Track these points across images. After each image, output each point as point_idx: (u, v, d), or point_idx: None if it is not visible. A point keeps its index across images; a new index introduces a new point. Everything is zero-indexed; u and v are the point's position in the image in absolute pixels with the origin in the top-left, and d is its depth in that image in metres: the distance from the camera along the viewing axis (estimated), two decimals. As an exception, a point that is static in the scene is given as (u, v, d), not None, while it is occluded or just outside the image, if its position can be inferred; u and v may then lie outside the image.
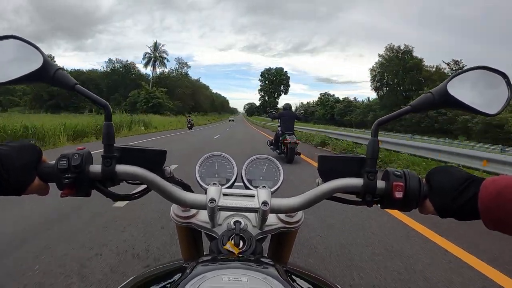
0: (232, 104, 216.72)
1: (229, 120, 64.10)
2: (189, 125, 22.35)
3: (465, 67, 0.44)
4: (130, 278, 0.47)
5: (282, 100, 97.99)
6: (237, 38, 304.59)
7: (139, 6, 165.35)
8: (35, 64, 0.42)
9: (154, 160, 0.50)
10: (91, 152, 0.47)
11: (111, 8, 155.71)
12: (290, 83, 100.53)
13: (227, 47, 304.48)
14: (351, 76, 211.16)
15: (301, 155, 7.16)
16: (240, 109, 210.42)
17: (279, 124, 7.61)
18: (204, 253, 0.68)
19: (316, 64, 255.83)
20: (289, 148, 6.64)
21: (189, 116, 24.23)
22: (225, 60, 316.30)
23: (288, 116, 7.33)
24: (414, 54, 49.00)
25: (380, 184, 0.46)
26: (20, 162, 0.41)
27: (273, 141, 7.82)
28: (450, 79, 0.44)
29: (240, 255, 0.50)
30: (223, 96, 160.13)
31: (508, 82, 0.42)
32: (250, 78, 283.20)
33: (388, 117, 0.47)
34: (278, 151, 7.43)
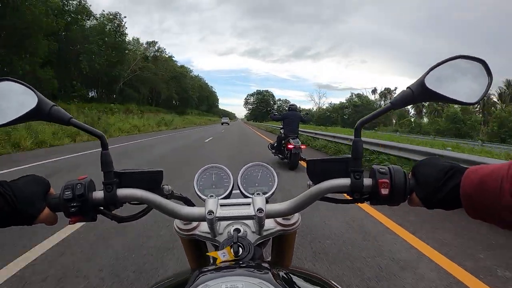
0: (230, 109, 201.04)
1: (222, 123, 52.50)
2: None
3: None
4: None
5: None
6: (238, 42, 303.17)
7: (137, 7, 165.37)
8: (31, 103, 0.44)
9: (152, 180, 0.53)
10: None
11: (108, 8, 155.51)
12: (289, 90, 77.77)
13: (228, 51, 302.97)
14: (352, 83, 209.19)
15: (302, 162, 6.34)
16: (239, 114, 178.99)
17: (281, 126, 6.85)
18: (211, 261, 0.72)
19: (317, 70, 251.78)
20: (293, 153, 5.86)
21: None
22: (225, 66, 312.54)
23: (293, 118, 6.52)
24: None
25: (367, 181, 0.48)
26: (29, 194, 0.44)
27: (275, 145, 7.00)
28: (428, 72, 0.44)
29: (240, 262, 0.52)
30: (203, 80, 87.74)
31: (487, 68, 0.42)
32: (250, 85, 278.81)
33: (369, 116, 0.48)
34: (280, 156, 6.66)
